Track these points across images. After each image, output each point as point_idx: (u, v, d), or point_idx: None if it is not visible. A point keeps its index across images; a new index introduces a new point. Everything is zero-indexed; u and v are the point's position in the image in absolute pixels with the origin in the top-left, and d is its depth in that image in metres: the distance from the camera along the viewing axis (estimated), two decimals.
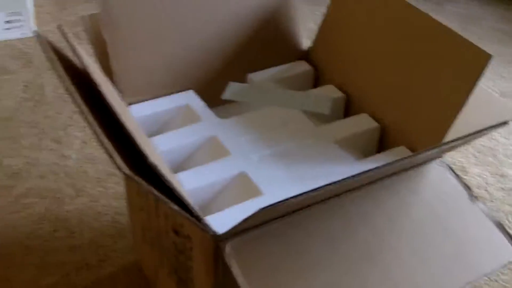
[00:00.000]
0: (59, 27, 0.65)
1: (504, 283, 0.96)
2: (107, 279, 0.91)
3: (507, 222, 1.06)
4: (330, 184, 0.54)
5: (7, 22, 1.46)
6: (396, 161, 0.60)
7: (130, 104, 0.80)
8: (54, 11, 1.60)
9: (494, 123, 0.65)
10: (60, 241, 0.97)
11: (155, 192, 0.53)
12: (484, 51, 0.67)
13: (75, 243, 0.97)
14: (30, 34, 1.48)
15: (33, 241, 0.97)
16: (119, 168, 0.52)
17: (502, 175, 1.17)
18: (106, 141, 0.55)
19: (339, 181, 0.55)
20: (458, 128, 0.68)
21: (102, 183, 1.07)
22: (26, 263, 0.93)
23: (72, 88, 0.60)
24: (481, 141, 1.25)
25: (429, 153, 0.63)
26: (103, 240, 0.97)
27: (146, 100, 0.81)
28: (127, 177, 0.53)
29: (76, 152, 1.14)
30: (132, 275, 0.92)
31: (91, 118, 0.57)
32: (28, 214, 1.01)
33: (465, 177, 1.16)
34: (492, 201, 1.11)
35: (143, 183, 0.52)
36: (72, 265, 0.93)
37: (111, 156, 0.53)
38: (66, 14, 1.59)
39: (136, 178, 0.52)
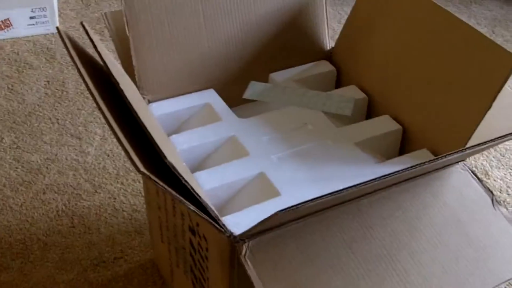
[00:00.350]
0: (81, 24, 0.66)
1: None
2: (123, 276, 0.91)
3: None
4: (350, 187, 0.53)
5: (32, 18, 1.47)
6: (418, 165, 0.59)
7: (150, 102, 0.79)
8: (78, 8, 1.61)
9: None
10: (78, 237, 0.97)
11: (172, 191, 0.52)
12: (510, 54, 0.65)
13: (92, 239, 0.97)
14: (54, 30, 1.49)
15: (51, 237, 0.97)
16: (135, 167, 0.52)
17: None
18: (123, 138, 0.54)
19: (359, 184, 0.54)
20: (483, 131, 0.67)
21: (121, 180, 1.07)
22: (43, 259, 0.93)
23: (92, 85, 0.59)
24: (505, 143, 1.23)
25: (452, 157, 0.61)
26: (120, 237, 0.97)
27: (167, 98, 0.80)
28: (144, 176, 0.52)
29: (96, 148, 1.14)
30: (149, 272, 0.92)
31: (109, 115, 0.56)
32: (46, 210, 1.01)
33: (487, 180, 1.14)
34: None
35: (160, 182, 0.52)
36: (89, 262, 0.93)
37: (128, 154, 0.53)
38: (91, 11, 1.60)
39: (153, 177, 0.52)
